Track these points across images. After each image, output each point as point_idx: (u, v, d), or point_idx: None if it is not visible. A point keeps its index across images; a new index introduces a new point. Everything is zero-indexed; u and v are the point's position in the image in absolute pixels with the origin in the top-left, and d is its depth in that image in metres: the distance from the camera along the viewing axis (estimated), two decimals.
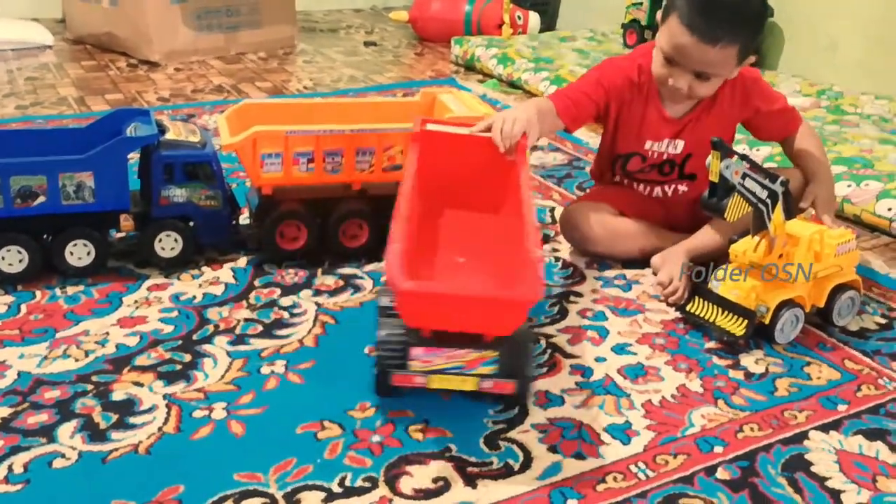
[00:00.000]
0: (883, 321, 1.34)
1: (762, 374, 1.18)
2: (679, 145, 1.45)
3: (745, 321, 1.23)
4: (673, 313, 1.33)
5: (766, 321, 1.24)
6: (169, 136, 1.38)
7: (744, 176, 1.20)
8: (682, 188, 1.52)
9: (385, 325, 1.04)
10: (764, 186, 1.20)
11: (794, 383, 1.16)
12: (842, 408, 1.11)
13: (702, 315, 1.28)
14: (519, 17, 3.23)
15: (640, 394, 1.12)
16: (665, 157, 1.46)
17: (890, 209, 1.67)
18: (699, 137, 1.42)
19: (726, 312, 1.26)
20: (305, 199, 1.43)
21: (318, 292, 1.35)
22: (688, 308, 1.29)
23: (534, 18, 3.26)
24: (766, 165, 1.41)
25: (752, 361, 1.21)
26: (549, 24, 3.55)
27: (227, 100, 2.41)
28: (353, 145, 1.41)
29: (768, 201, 1.20)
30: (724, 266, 1.31)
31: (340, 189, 1.46)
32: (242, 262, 1.44)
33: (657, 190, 1.52)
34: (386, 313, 1.07)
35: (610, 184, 1.56)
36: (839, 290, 1.29)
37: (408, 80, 2.79)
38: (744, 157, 1.22)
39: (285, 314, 1.28)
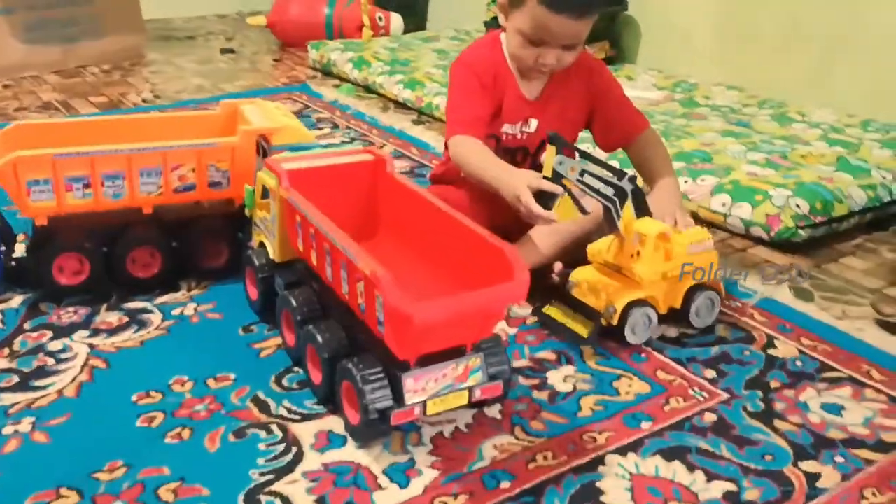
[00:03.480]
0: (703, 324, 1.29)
1: (568, 394, 1.11)
2: (533, 124, 1.39)
3: (591, 322, 1.18)
4: None
5: (615, 322, 1.18)
6: None
7: (582, 173, 1.15)
8: None
9: (358, 367, 0.95)
10: (610, 184, 1.17)
11: (601, 401, 1.09)
12: (645, 425, 1.04)
13: (555, 317, 1.23)
14: (380, 19, 3.13)
15: (431, 426, 1.03)
16: (519, 139, 1.40)
17: (724, 204, 1.63)
18: (553, 116, 1.38)
19: (577, 314, 1.21)
20: (87, 227, 1.30)
21: (96, 332, 1.22)
22: (544, 310, 1.24)
23: (396, 20, 3.16)
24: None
25: (560, 379, 1.14)
26: (417, 25, 3.46)
27: (52, 119, 2.24)
28: (135, 166, 1.28)
29: (616, 199, 1.17)
30: (583, 267, 1.28)
31: (129, 214, 1.32)
32: (17, 301, 1.30)
33: None
34: (335, 355, 1.01)
35: (447, 183, 1.47)
36: (696, 290, 1.24)
37: (260, 87, 2.66)
38: (585, 155, 1.19)
39: (50, 361, 1.15)
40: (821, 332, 1.27)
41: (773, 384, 1.14)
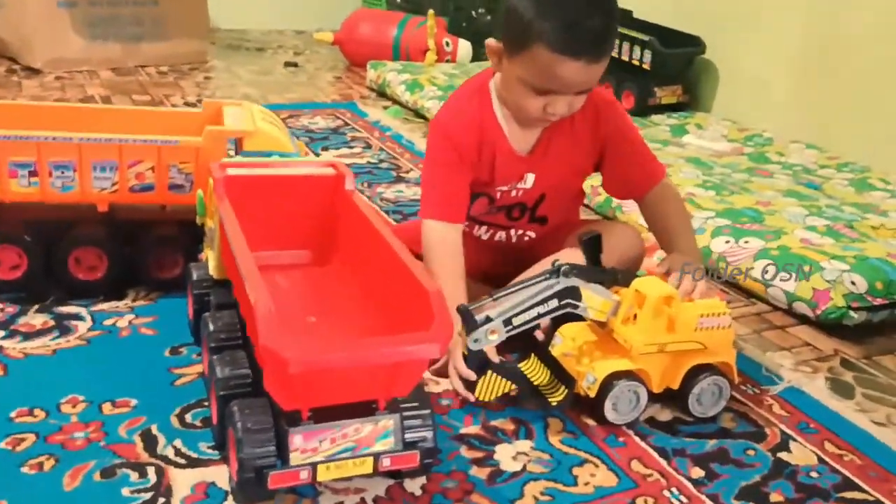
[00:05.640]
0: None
1: (514, 475, 0.91)
2: (529, 179, 1.20)
3: (565, 390, 1.00)
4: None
5: (592, 394, 0.99)
6: None
7: (507, 322, 0.97)
8: (530, 233, 1.27)
9: (243, 413, 0.79)
10: (548, 297, 0.98)
11: (550, 489, 0.89)
12: None
13: (531, 374, 1.03)
14: (447, 44, 3.00)
15: (334, 493, 0.86)
16: (515, 196, 1.21)
17: (766, 272, 1.40)
18: (552, 166, 1.19)
19: (554, 377, 1.02)
20: (29, 219, 1.19)
21: (12, 334, 1.10)
22: (520, 365, 1.03)
23: (464, 47, 3.03)
24: None
25: (510, 456, 0.94)
26: None
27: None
28: (87, 157, 1.17)
29: (569, 300, 0.99)
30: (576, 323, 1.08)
31: (81, 211, 1.21)
32: None
33: (500, 234, 1.27)
34: (231, 394, 0.84)
35: None
36: (701, 371, 1.03)
37: (307, 101, 2.57)
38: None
39: None
40: (853, 437, 1.03)
41: (775, 497, 0.91)
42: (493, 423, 1.01)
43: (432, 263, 1.13)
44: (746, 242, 1.47)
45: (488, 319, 0.96)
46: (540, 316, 0.98)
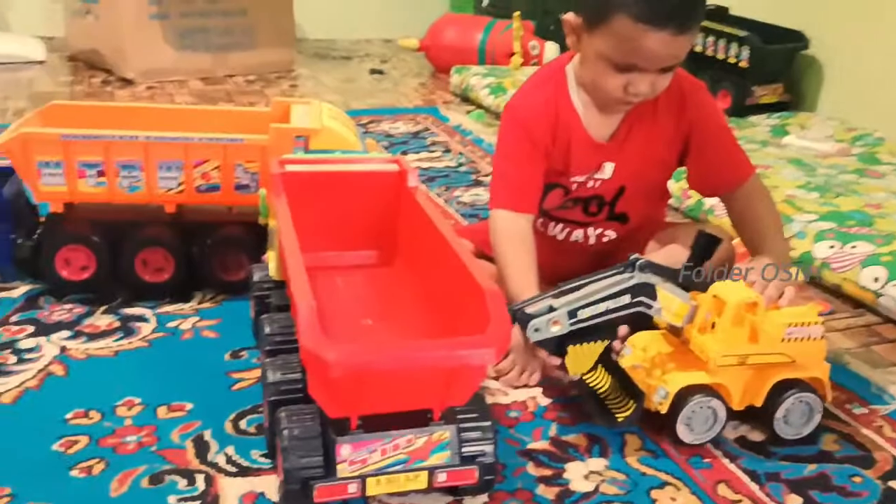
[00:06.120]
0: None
1: (585, 496, 0.83)
2: (607, 169, 1.11)
3: (633, 404, 0.91)
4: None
5: (663, 410, 0.90)
6: None
7: (572, 314, 0.89)
8: (610, 233, 1.18)
9: (290, 420, 0.75)
10: (618, 293, 0.90)
11: None
12: None
13: (596, 387, 0.94)
14: (534, 47, 2.93)
15: None
16: (592, 188, 1.13)
17: (877, 279, 1.27)
18: (633, 156, 1.10)
19: (623, 390, 0.94)
20: (97, 219, 1.19)
21: (77, 334, 1.09)
22: (585, 376, 0.95)
23: (551, 49, 2.94)
24: None
25: (582, 475, 0.86)
26: None
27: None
28: (153, 157, 1.16)
29: (641, 299, 0.91)
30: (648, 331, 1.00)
31: (149, 212, 1.20)
32: (20, 291, 1.20)
33: (577, 233, 1.19)
34: (281, 400, 0.79)
35: None
36: (787, 387, 0.92)
37: (388, 106, 2.54)
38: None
39: (12, 359, 1.03)
40: None
41: None
42: (565, 438, 0.93)
43: (500, 256, 1.06)
44: (854, 247, 1.34)
45: (551, 309, 0.88)
46: (609, 311, 0.90)
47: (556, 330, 0.89)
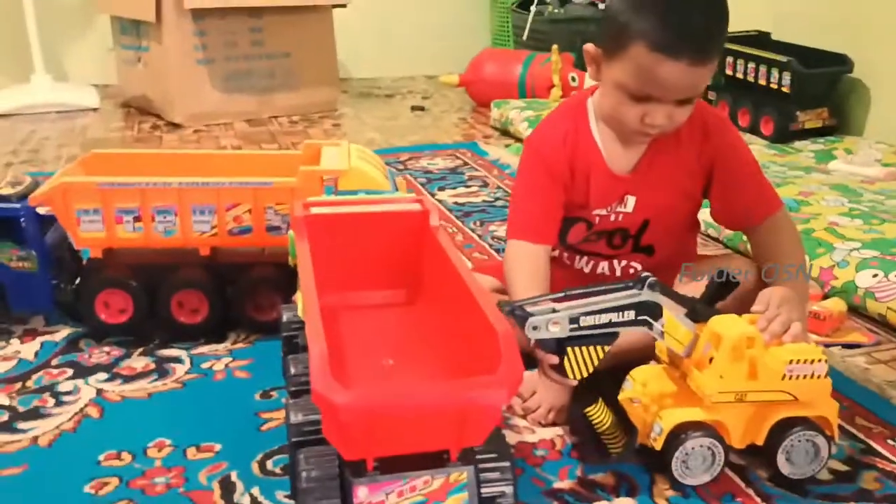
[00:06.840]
0: (845, 468, 0.93)
1: None
2: (630, 202, 1.10)
3: (626, 439, 0.91)
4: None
5: (657, 447, 0.89)
6: None
7: (574, 320, 0.86)
8: (636, 265, 1.17)
9: (308, 462, 0.76)
10: (622, 307, 0.87)
11: None
12: None
13: (596, 421, 0.92)
14: (573, 79, 2.93)
15: None
16: (615, 221, 1.13)
17: None
18: (655, 188, 1.09)
19: (617, 426, 0.93)
20: (134, 264, 1.22)
21: (114, 377, 1.12)
22: (587, 410, 0.93)
23: (591, 80, 2.95)
24: None
25: None
26: None
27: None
28: (186, 202, 1.19)
29: (646, 318, 0.88)
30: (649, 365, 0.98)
31: (184, 255, 1.23)
32: (62, 334, 1.24)
33: (603, 265, 1.18)
34: (303, 441, 0.80)
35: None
36: (789, 426, 0.90)
37: (429, 142, 2.57)
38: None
39: (50, 402, 1.06)
40: None
41: None
42: (592, 477, 0.91)
43: (512, 284, 1.06)
44: None
45: (553, 311, 0.87)
46: (612, 324, 0.87)
47: (555, 331, 0.87)
